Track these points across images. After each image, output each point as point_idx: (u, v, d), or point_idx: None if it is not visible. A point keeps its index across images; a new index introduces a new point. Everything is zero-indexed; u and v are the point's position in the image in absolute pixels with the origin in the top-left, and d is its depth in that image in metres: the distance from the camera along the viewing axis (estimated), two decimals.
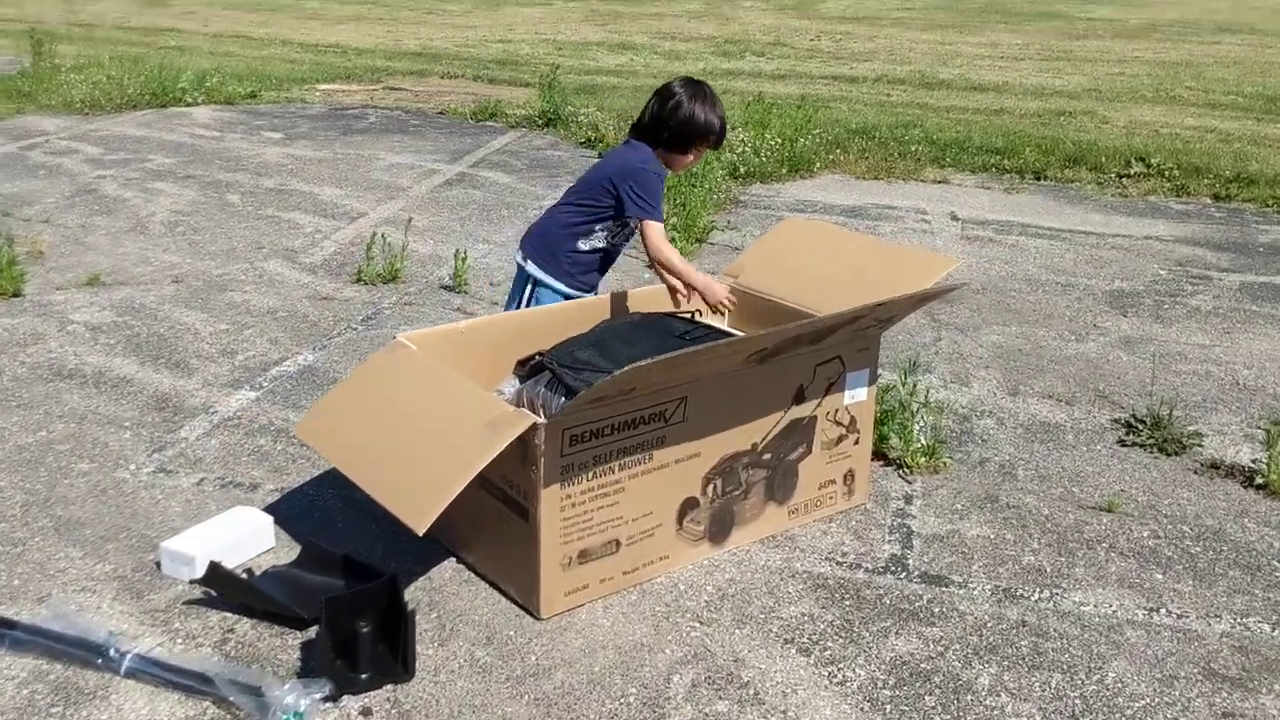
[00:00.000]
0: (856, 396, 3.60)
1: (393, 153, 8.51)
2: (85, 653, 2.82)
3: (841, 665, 2.92)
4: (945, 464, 3.97)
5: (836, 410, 3.56)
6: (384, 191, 7.37)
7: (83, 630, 2.86)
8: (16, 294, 5.31)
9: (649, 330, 3.55)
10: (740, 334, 3.64)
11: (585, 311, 3.74)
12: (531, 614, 3.08)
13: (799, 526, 3.56)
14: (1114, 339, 5.19)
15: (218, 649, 2.90)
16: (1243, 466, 4.01)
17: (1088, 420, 4.37)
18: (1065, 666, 2.94)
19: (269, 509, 3.50)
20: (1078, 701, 2.81)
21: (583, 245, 3.89)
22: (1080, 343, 5.14)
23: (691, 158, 3.85)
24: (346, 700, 2.73)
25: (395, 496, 2.93)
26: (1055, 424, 4.34)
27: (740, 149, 7.92)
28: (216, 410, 4.24)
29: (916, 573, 3.34)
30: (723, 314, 3.82)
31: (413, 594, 3.15)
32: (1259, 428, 4.22)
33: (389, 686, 2.79)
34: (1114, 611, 3.18)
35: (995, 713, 2.76)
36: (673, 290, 3.96)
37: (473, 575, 3.25)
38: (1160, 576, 3.36)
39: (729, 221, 6.70)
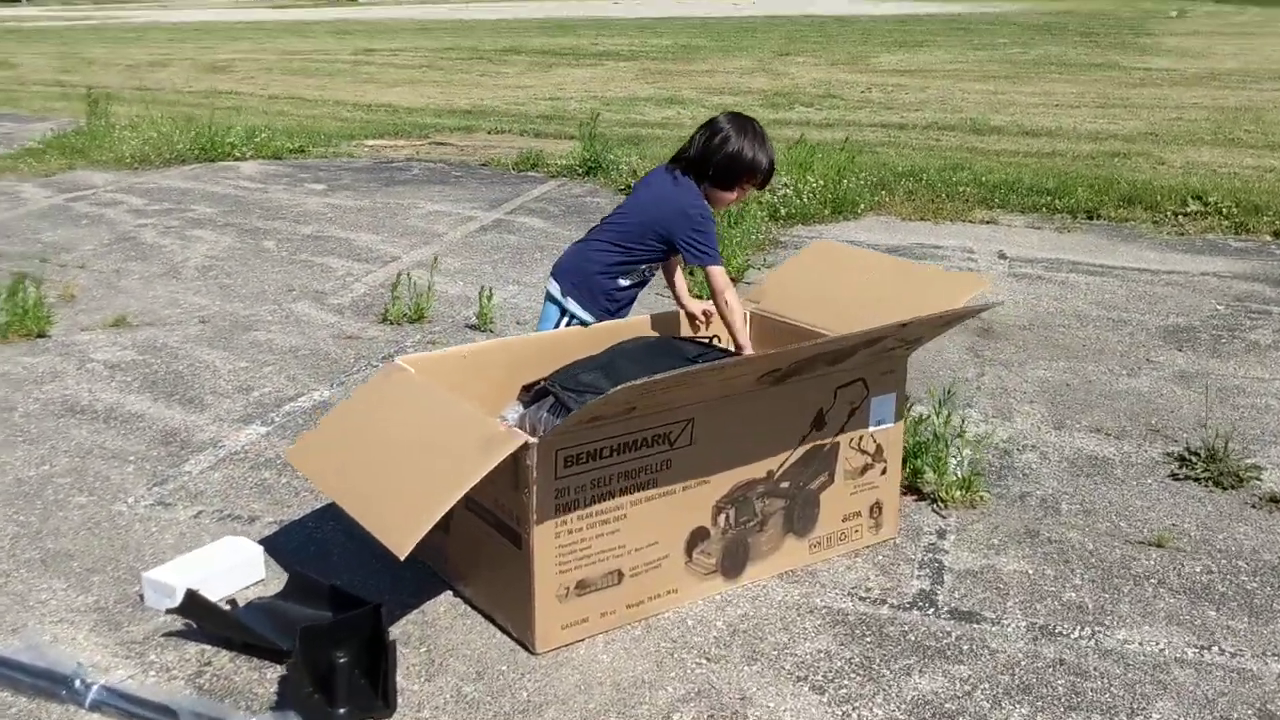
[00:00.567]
0: (883, 423, 3.38)
1: (432, 201, 8.46)
2: (51, 684, 2.67)
3: (858, 704, 2.68)
4: (983, 498, 3.72)
5: (861, 437, 3.35)
6: (419, 237, 7.31)
7: (52, 662, 2.72)
8: (42, 334, 5.27)
9: (661, 352, 3.37)
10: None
11: (594, 336, 3.58)
12: (527, 648, 2.89)
13: (821, 562, 3.33)
14: (1168, 374, 4.92)
15: (191, 682, 2.74)
16: None
17: (1138, 454, 4.11)
18: (1105, 707, 2.68)
19: (264, 541, 3.36)
20: None
21: (624, 282, 3.76)
22: (1132, 378, 4.88)
23: (735, 195, 3.69)
24: None
25: (379, 519, 2.77)
26: (1103, 458, 4.08)
27: (782, 190, 7.75)
28: (224, 445, 4.12)
29: (946, 609, 3.10)
30: None
31: (404, 627, 2.97)
32: None
33: None
34: (1161, 650, 2.91)
35: None
36: (692, 317, 3.80)
37: (469, 609, 3.07)
38: (1213, 613, 3.09)
39: (766, 261, 6.53)
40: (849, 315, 3.46)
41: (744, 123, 3.64)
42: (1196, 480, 3.89)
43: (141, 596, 3.09)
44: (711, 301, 3.64)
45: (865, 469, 3.39)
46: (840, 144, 8.33)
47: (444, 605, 3.09)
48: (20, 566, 3.27)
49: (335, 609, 2.95)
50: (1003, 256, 6.91)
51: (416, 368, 3.27)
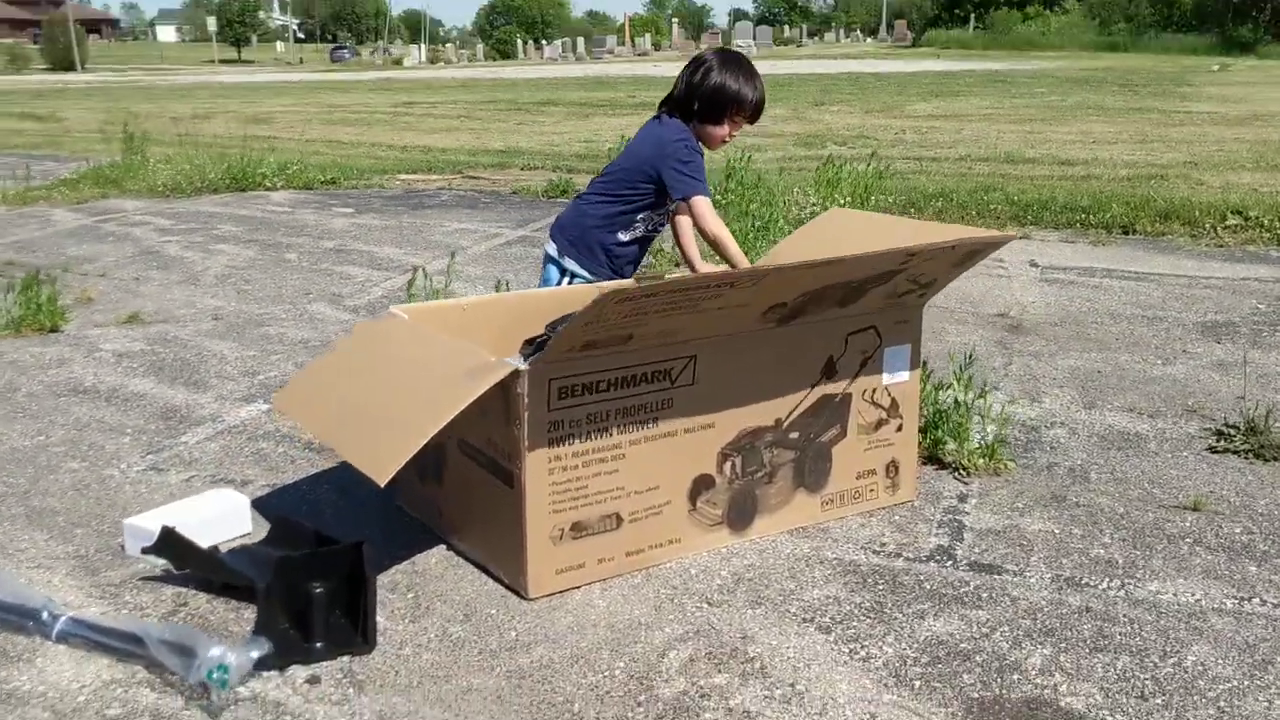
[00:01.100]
0: (897, 376, 3.22)
1: (459, 221, 8.42)
2: (19, 618, 2.55)
3: (866, 643, 2.51)
4: (1007, 466, 3.54)
5: (875, 390, 3.19)
6: (442, 249, 7.24)
7: (20, 596, 2.59)
8: (55, 329, 5.21)
9: None
10: None
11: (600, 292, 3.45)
12: (519, 594, 2.74)
13: (834, 520, 3.16)
14: (1205, 362, 4.72)
15: (165, 620, 2.60)
16: None
17: (1173, 430, 3.91)
18: (1135, 650, 2.49)
19: (256, 502, 3.24)
20: (1148, 683, 2.36)
21: (623, 236, 3.65)
22: (1167, 365, 4.68)
23: (726, 129, 3.59)
24: (294, 670, 2.40)
25: (361, 451, 2.65)
26: (1136, 433, 3.88)
27: (810, 208, 7.64)
28: (224, 420, 4.02)
29: (965, 562, 2.92)
30: None
31: (392, 576, 2.84)
32: None
33: (345, 658, 2.45)
34: (1197, 600, 2.72)
35: (1046, 691, 2.32)
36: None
37: (461, 561, 2.93)
38: (1254, 569, 2.89)
39: None
40: None
41: (729, 55, 3.56)
42: (1235, 453, 3.69)
43: (123, 547, 2.98)
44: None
45: (880, 424, 3.22)
46: (867, 163, 8.20)
47: (436, 557, 2.96)
48: (3, 521, 3.17)
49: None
50: (1034, 264, 6.74)
51: (411, 316, 3.16)
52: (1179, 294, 5.95)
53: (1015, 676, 2.38)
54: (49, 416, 4.04)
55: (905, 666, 2.42)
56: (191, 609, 2.67)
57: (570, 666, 2.42)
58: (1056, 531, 3.10)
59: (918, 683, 2.36)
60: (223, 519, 3.02)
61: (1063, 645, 2.50)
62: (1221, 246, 7.25)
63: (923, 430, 3.54)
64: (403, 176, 11.43)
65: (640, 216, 3.61)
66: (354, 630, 2.52)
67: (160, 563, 2.82)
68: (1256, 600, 2.72)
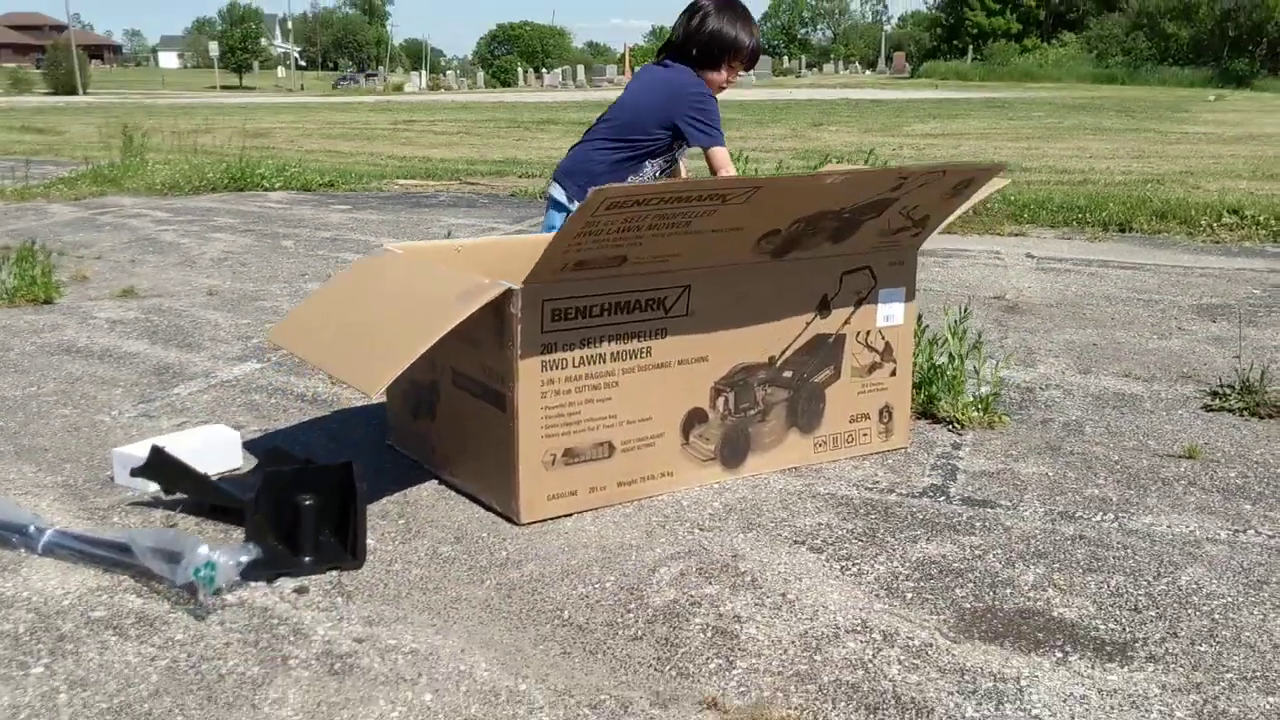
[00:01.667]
0: (892, 319, 3.22)
1: (456, 218, 8.44)
2: (4, 532, 2.52)
3: (858, 561, 2.50)
4: (1002, 419, 3.53)
5: (869, 332, 3.19)
6: (439, 239, 7.23)
7: (6, 512, 2.57)
8: (49, 301, 5.20)
9: None
10: None
11: None
12: (511, 520, 2.72)
13: (827, 462, 3.15)
14: (1201, 337, 4.72)
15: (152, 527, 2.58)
16: None
17: (1168, 392, 3.91)
18: (1128, 570, 2.47)
19: (248, 445, 3.22)
20: (1142, 598, 2.34)
21: (632, 182, 3.65)
22: (1163, 340, 4.68)
23: (724, 75, 3.61)
24: (282, 581, 2.38)
25: (352, 368, 2.64)
26: (1131, 394, 3.88)
27: None
28: (217, 376, 4.01)
29: (959, 498, 2.91)
30: None
31: (383, 506, 2.82)
32: None
33: (334, 572, 2.43)
34: (1191, 531, 2.70)
35: (1039, 604, 2.30)
36: None
37: (453, 494, 2.92)
38: (1249, 507, 2.88)
39: None
40: None
41: (725, 1, 3.57)
42: (1230, 411, 3.68)
43: (112, 478, 2.96)
44: None
45: (874, 368, 3.22)
46: (864, 156, 8.21)
47: (427, 490, 2.94)
48: None
49: None
50: (1030, 256, 6.75)
51: (407, 253, 3.16)
52: (1175, 281, 5.96)
53: (1008, 591, 2.36)
54: (41, 371, 4.03)
55: (897, 581, 2.40)
56: (181, 530, 2.65)
57: (560, 580, 2.41)
58: (1051, 474, 3.09)
59: (909, 594, 2.34)
60: (214, 451, 3.01)
61: (1056, 566, 2.49)
62: (1218, 243, 7.26)
63: (917, 386, 3.53)
64: (401, 181, 11.46)
65: (648, 163, 3.61)
66: (343, 548, 2.50)
67: (150, 488, 2.80)
68: (1251, 532, 2.70)
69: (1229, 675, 2.04)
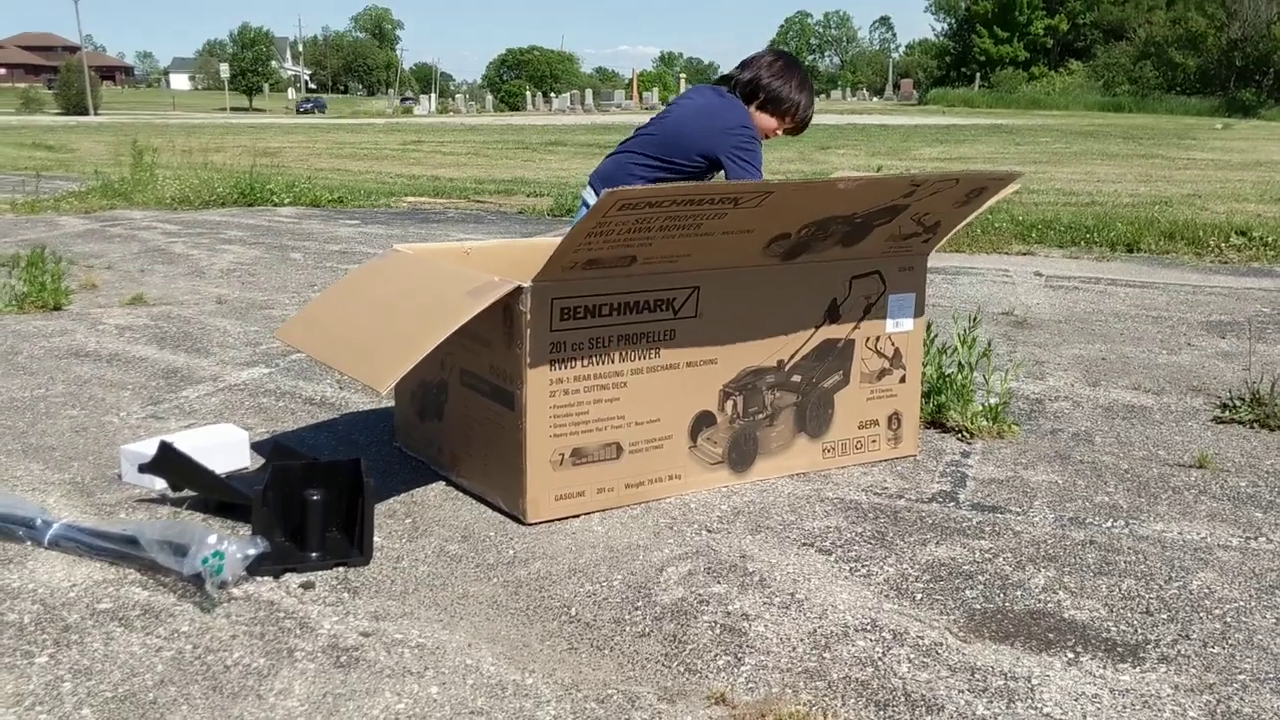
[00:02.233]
0: (901, 325, 3.21)
1: (464, 233, 8.46)
2: (11, 525, 2.52)
3: (867, 563, 2.48)
4: (1011, 429, 3.52)
5: (878, 338, 3.18)
6: None
7: (12, 506, 2.57)
8: (58, 307, 5.21)
9: None
10: None
11: None
12: (518, 520, 2.71)
13: (835, 468, 3.14)
14: (1210, 353, 4.71)
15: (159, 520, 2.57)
16: None
17: (1178, 404, 3.89)
18: (1140, 575, 2.46)
19: (255, 445, 3.21)
20: (1153, 601, 2.32)
21: None
22: (1172, 355, 4.67)
23: (774, 124, 3.65)
24: (289, 576, 2.38)
25: (360, 364, 2.64)
26: (1141, 406, 3.87)
27: None
28: (225, 380, 4.01)
29: (968, 504, 2.90)
30: None
31: (391, 505, 2.81)
32: None
33: (340, 568, 2.42)
34: (1202, 537, 2.69)
35: (1050, 605, 2.29)
36: None
37: (460, 494, 2.91)
38: (1260, 515, 2.86)
39: None
40: None
41: (797, 64, 3.67)
42: (1240, 423, 3.67)
43: (120, 476, 2.95)
44: None
45: (883, 373, 3.21)
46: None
47: (435, 491, 2.93)
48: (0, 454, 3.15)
49: None
50: (1039, 274, 6.75)
51: (414, 253, 3.16)
52: (1183, 299, 5.95)
53: (1018, 593, 2.35)
54: (49, 374, 4.03)
55: (906, 582, 2.39)
56: (188, 523, 2.64)
57: (568, 578, 2.39)
58: (1060, 482, 3.08)
59: (919, 595, 2.33)
60: (222, 450, 3.00)
61: (1066, 569, 2.47)
62: (1225, 263, 7.26)
63: (926, 395, 3.52)
64: (410, 198, 11.50)
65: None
66: (350, 544, 2.49)
67: (157, 485, 2.80)
68: (1263, 539, 2.69)
69: (1242, 676, 2.03)
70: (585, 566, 2.45)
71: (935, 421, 3.56)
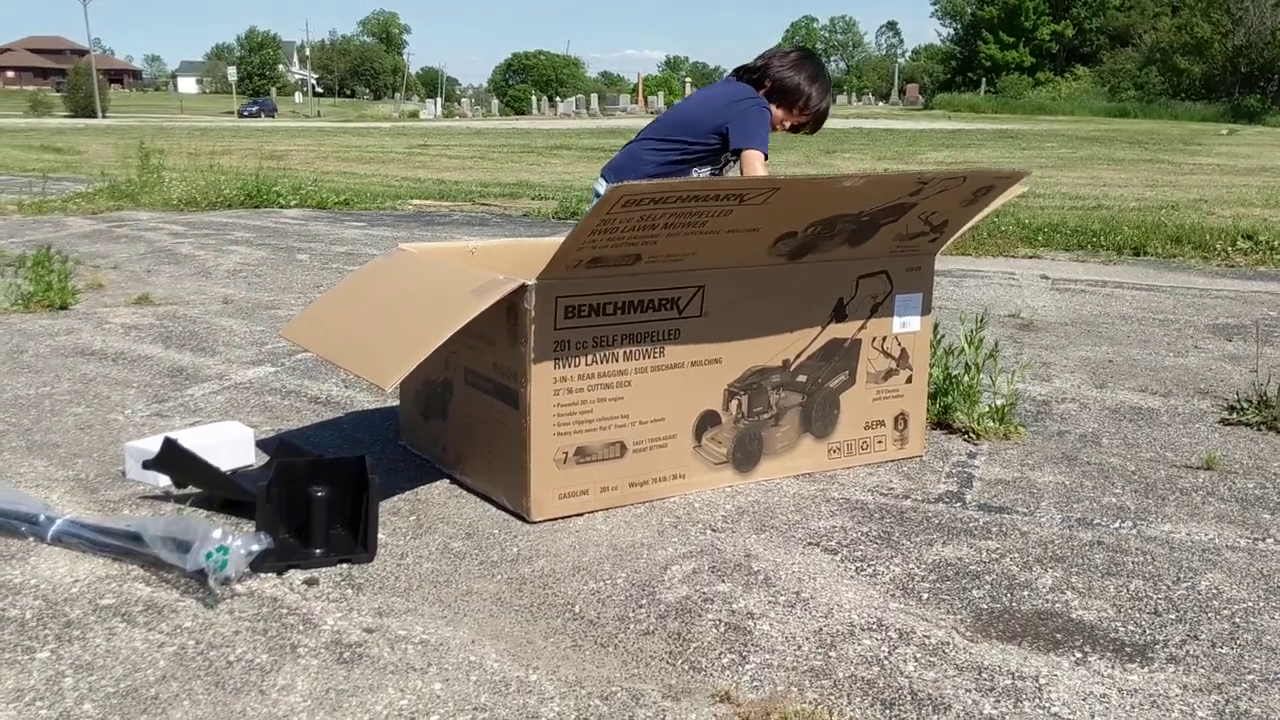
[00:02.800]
0: (908, 325, 3.20)
1: (470, 236, 8.45)
2: (14, 521, 2.51)
3: (874, 563, 2.47)
4: (1018, 430, 3.51)
5: (885, 338, 3.17)
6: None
7: (15, 501, 2.56)
8: (64, 306, 5.21)
9: None
10: None
11: None
12: (522, 518, 2.70)
13: (841, 468, 3.12)
14: (1217, 356, 4.69)
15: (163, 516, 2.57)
16: None
17: (1185, 406, 3.88)
18: (1148, 575, 2.44)
19: (261, 444, 3.21)
20: (1161, 602, 2.31)
21: None
22: (1179, 357, 4.65)
23: (782, 115, 3.63)
24: (292, 573, 2.37)
25: (364, 361, 2.63)
26: (1148, 408, 3.85)
27: None
28: (230, 378, 4.00)
29: (974, 504, 2.88)
30: None
31: (395, 503, 2.80)
32: None
33: (344, 565, 2.42)
34: (1210, 539, 2.67)
35: (1058, 606, 2.27)
36: None
37: (464, 492, 2.90)
38: (1268, 516, 2.84)
39: None
40: None
41: (819, 64, 3.65)
42: (1248, 425, 3.65)
43: (124, 473, 2.95)
44: None
45: (889, 374, 3.20)
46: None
47: (439, 489, 2.92)
48: (4, 451, 3.15)
49: None
50: (1045, 277, 6.73)
51: (419, 252, 3.16)
52: (1190, 302, 5.94)
53: (1025, 593, 2.34)
54: (55, 372, 4.03)
55: (913, 582, 2.37)
56: (192, 518, 2.63)
57: (572, 576, 2.39)
58: (1067, 483, 3.06)
59: (925, 595, 2.31)
60: (228, 447, 2.99)
61: (1074, 570, 2.46)
62: (1232, 267, 7.24)
63: (932, 396, 3.51)
64: (415, 201, 11.50)
65: (695, 171, 3.62)
66: (354, 541, 2.48)
67: (161, 482, 2.79)
68: (1271, 540, 2.67)
69: (1250, 677, 2.01)
70: (589, 565, 2.44)
71: (941, 423, 3.55)
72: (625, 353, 2.74)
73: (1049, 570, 2.45)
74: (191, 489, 2.75)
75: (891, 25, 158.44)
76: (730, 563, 2.45)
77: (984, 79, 67.45)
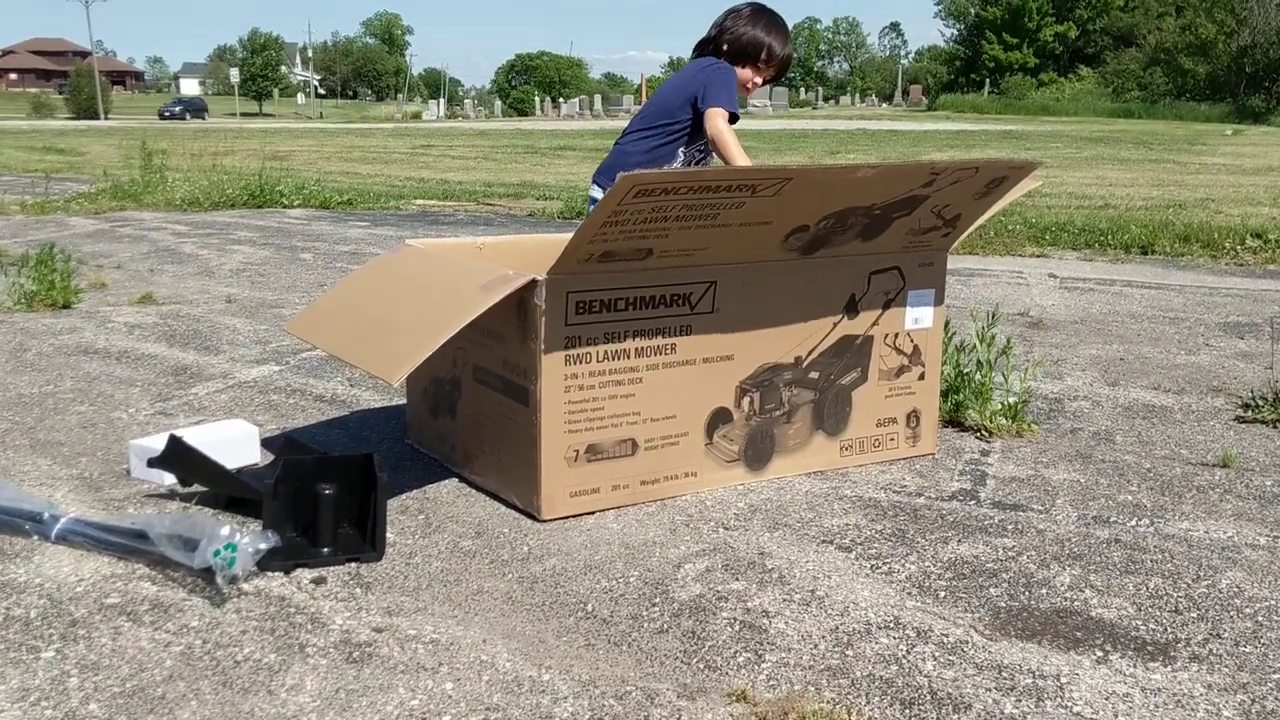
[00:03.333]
0: (921, 321, 3.17)
1: (473, 235, 8.41)
2: (17, 520, 2.48)
3: (888, 560, 2.44)
4: (1030, 428, 3.47)
5: (897, 335, 3.13)
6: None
7: (19, 500, 2.53)
8: (67, 306, 5.19)
9: None
10: None
11: None
12: (533, 517, 2.66)
13: (853, 466, 3.09)
14: (1229, 354, 4.66)
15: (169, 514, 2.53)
16: None
17: (1199, 404, 3.84)
18: (1167, 573, 2.41)
19: (266, 442, 3.17)
20: (1182, 600, 2.27)
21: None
22: (1191, 355, 4.62)
23: (748, 74, 3.58)
24: (300, 572, 2.33)
25: (371, 356, 2.60)
26: (1161, 406, 3.81)
27: None
28: (235, 377, 3.97)
29: (989, 502, 2.85)
30: None
31: (403, 501, 2.77)
32: None
33: (352, 564, 2.38)
34: (1229, 536, 2.63)
35: (1077, 604, 2.24)
36: None
37: (474, 491, 2.86)
38: None
39: None
40: None
41: (762, 8, 3.58)
42: (1263, 422, 3.61)
43: (128, 471, 2.92)
44: None
45: (901, 371, 3.16)
46: None
47: (448, 488, 2.89)
48: (7, 449, 3.12)
49: None
50: (1053, 276, 6.70)
51: (427, 247, 3.12)
52: (1200, 300, 5.90)
53: (1044, 591, 2.30)
54: (58, 371, 4.00)
55: (929, 580, 2.34)
56: (199, 516, 2.60)
57: (584, 574, 2.35)
58: (1082, 481, 3.03)
59: (942, 593, 2.28)
60: (232, 445, 2.96)
61: (1092, 568, 2.42)
62: (1241, 265, 7.20)
63: (944, 393, 3.47)
64: (419, 201, 11.48)
65: (681, 152, 3.58)
66: (362, 539, 2.45)
67: (166, 480, 2.76)
68: None
69: (1276, 676, 1.98)
70: (601, 563, 2.41)
71: (953, 420, 3.51)
72: (637, 349, 2.71)
73: (1067, 568, 2.41)
74: (197, 487, 2.72)
75: (895, 26, 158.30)
76: (744, 561, 2.42)
77: (987, 80, 67.39)
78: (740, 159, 3.40)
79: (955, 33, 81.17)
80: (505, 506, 2.74)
